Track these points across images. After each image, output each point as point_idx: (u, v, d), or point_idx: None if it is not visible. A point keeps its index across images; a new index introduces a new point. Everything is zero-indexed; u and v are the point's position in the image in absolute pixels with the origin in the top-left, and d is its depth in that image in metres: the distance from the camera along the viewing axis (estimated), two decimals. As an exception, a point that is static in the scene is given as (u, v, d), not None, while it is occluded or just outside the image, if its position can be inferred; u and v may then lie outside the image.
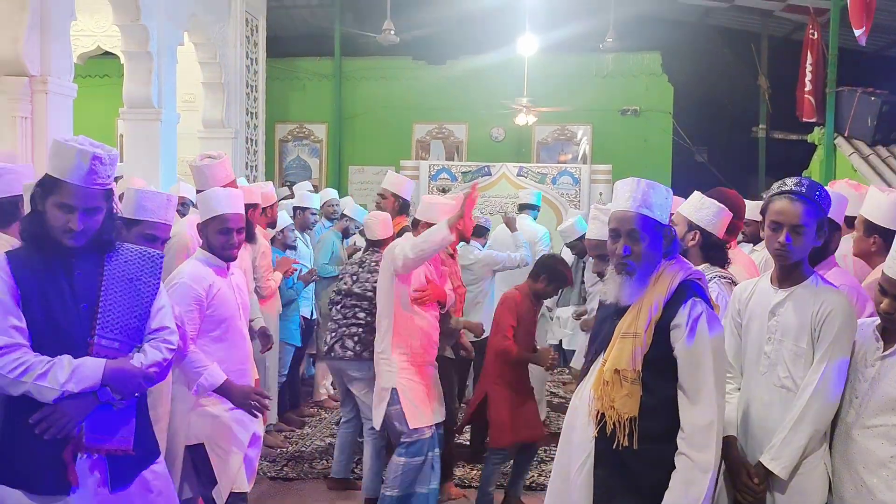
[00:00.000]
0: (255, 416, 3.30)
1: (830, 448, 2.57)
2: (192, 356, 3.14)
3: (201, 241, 3.48)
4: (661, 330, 2.46)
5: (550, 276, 4.49)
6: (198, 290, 3.27)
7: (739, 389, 2.75)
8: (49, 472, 2.31)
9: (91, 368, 2.32)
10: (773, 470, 2.52)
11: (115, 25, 8.06)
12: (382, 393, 4.17)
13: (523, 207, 7.13)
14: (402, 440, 4.16)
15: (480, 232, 6.04)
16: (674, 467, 2.43)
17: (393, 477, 4.13)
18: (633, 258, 2.49)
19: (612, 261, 2.57)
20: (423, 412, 4.15)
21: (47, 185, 2.35)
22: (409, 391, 4.13)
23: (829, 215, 2.70)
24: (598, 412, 2.51)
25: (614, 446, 2.46)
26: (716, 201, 3.22)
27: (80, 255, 2.38)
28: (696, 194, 3.33)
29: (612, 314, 2.59)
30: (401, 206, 5.28)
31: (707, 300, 2.52)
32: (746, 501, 2.58)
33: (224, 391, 3.21)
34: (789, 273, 2.64)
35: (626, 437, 2.44)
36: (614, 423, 2.46)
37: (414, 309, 4.17)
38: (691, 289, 2.51)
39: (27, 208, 2.52)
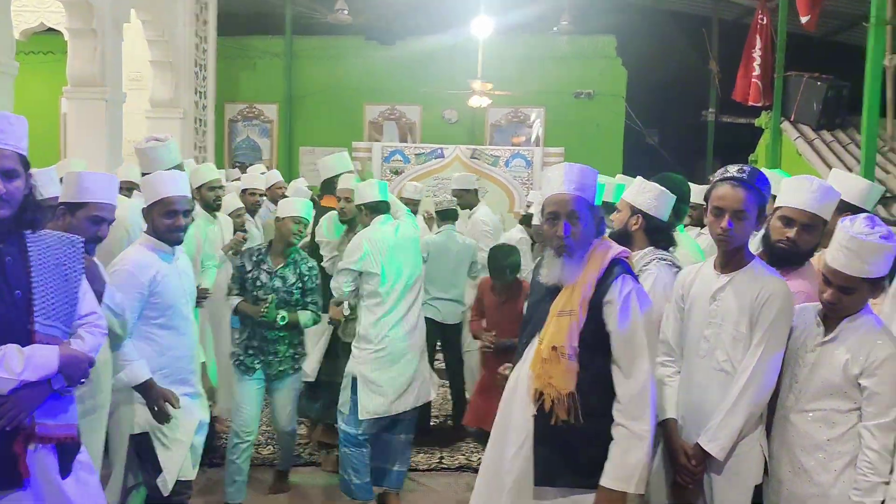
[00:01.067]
0: (161, 423, 3.25)
1: (769, 431, 2.64)
2: (124, 348, 3.11)
3: (145, 225, 3.41)
4: (595, 307, 2.53)
5: (489, 267, 4.63)
6: (140, 276, 3.21)
7: (680, 373, 2.80)
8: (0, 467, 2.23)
9: (46, 356, 2.27)
10: (710, 451, 2.58)
11: (59, 1, 7.82)
12: (344, 380, 4.35)
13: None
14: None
15: (453, 215, 5.90)
16: (611, 440, 2.49)
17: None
18: (572, 238, 2.55)
19: (550, 243, 2.61)
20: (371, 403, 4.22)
21: None
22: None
23: (825, 217, 2.77)
24: (536, 390, 2.56)
25: (553, 422, 2.52)
26: (657, 185, 3.25)
27: (5, 241, 2.29)
28: (638, 179, 3.37)
29: (545, 295, 2.65)
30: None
31: (635, 277, 2.61)
32: (684, 482, 2.65)
33: (142, 389, 3.18)
34: (731, 258, 2.68)
35: (565, 413, 2.50)
36: (553, 400, 2.51)
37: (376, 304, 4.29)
38: (621, 266, 2.59)
39: None
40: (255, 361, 4.29)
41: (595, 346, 2.53)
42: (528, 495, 2.59)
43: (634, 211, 3.21)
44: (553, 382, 2.52)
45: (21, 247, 2.32)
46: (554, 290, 2.60)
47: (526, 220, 6.13)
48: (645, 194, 3.21)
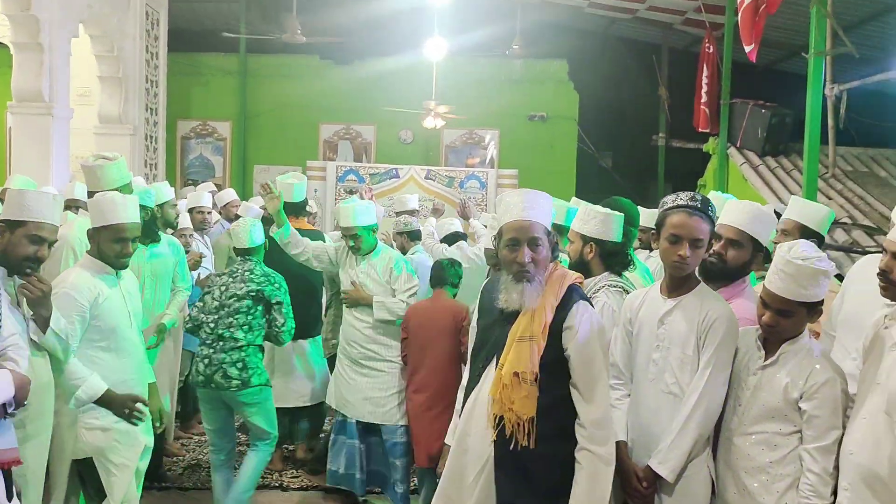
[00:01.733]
0: (136, 425, 3.19)
1: (714, 452, 2.68)
2: (70, 367, 3.01)
3: (90, 246, 3.34)
4: (554, 332, 2.56)
5: (431, 279, 4.61)
6: (80, 300, 3.13)
7: (629, 396, 2.83)
8: None
9: (3, 380, 2.20)
10: (661, 473, 2.61)
11: (4, 15, 7.66)
12: None
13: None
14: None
15: (419, 235, 5.80)
16: (569, 464, 2.52)
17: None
18: (533, 265, 2.56)
19: (509, 269, 2.61)
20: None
21: None
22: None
23: (758, 237, 2.91)
24: (495, 416, 2.56)
25: (512, 448, 2.53)
26: (602, 208, 3.29)
27: None
28: (583, 207, 3.37)
29: (498, 320, 2.65)
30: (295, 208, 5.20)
31: (589, 302, 2.67)
32: (635, 504, 2.67)
33: (104, 402, 3.10)
34: (680, 283, 2.74)
35: (525, 437, 2.51)
36: (514, 425, 2.52)
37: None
38: (577, 291, 2.63)
39: None
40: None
41: (554, 370, 2.55)
42: None
43: (586, 240, 3.23)
44: (514, 408, 2.52)
45: None
46: (509, 315, 2.61)
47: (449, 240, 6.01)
48: (592, 221, 3.23)
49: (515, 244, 2.57)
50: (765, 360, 2.58)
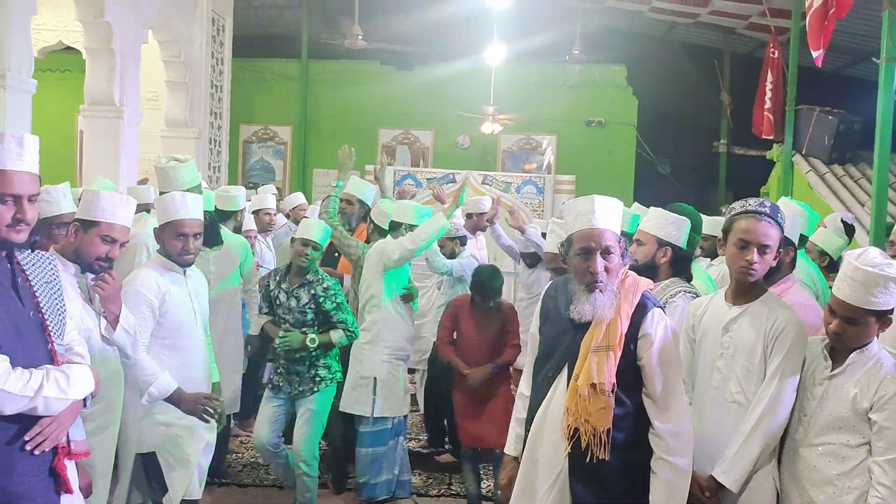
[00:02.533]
0: (207, 422, 3.25)
1: (779, 464, 2.62)
2: (143, 364, 3.08)
3: (158, 245, 3.43)
4: (629, 340, 2.51)
5: (473, 285, 4.69)
6: (149, 297, 3.23)
7: (691, 404, 2.79)
8: (42, 486, 2.21)
9: (84, 375, 2.27)
10: (725, 483, 2.57)
11: (78, 21, 7.94)
12: (361, 381, 4.56)
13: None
14: (363, 429, 4.56)
15: (465, 241, 5.87)
16: (645, 473, 2.49)
17: (361, 466, 4.54)
18: (606, 274, 2.51)
19: (581, 278, 2.55)
20: (391, 403, 4.57)
21: None
22: (387, 382, 4.56)
23: (786, 234, 2.78)
24: (570, 427, 2.52)
25: (587, 459, 2.49)
26: (678, 216, 3.26)
27: (11, 262, 2.26)
28: (659, 210, 3.33)
29: (568, 328, 2.59)
30: (364, 213, 5.28)
31: (662, 309, 2.61)
32: (698, 515, 2.63)
33: (174, 400, 3.16)
34: (746, 290, 2.69)
35: (602, 450, 2.47)
36: (590, 437, 2.48)
37: (398, 305, 4.62)
38: (650, 299, 2.58)
39: None
40: (281, 381, 4.40)
41: (627, 380, 2.51)
42: None
43: (662, 243, 3.20)
44: (590, 420, 2.48)
45: (19, 267, 2.30)
46: (580, 324, 2.55)
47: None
48: (670, 226, 3.20)
49: (587, 253, 2.51)
50: (832, 370, 2.52)
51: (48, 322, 2.29)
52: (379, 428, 4.57)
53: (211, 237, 4.46)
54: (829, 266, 4.72)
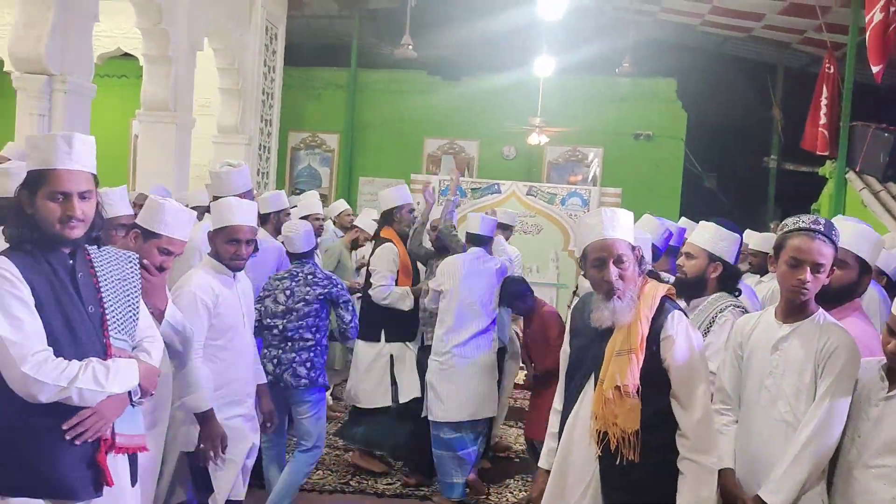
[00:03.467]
0: (203, 459, 3.28)
1: (830, 485, 2.57)
2: (192, 370, 3.15)
3: (211, 248, 3.50)
4: (651, 343, 2.56)
5: (503, 294, 4.96)
6: (204, 298, 3.29)
7: (737, 422, 2.75)
8: (81, 477, 2.27)
9: (128, 369, 2.33)
10: (771, 504, 2.52)
11: (137, 28, 8.14)
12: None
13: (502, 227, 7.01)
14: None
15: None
16: (673, 475, 2.50)
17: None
18: (621, 281, 2.58)
19: (599, 288, 2.63)
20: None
21: (33, 181, 2.26)
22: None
23: (863, 256, 2.77)
24: (598, 431, 2.57)
25: (618, 462, 2.53)
26: (731, 232, 3.23)
27: (75, 258, 2.34)
28: (711, 225, 3.30)
29: (594, 338, 2.66)
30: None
31: (683, 312, 2.66)
32: (743, 534, 2.59)
33: (202, 418, 3.21)
34: (798, 309, 2.64)
35: (631, 452, 2.51)
36: (619, 440, 2.53)
37: None
38: (670, 302, 2.64)
39: None
40: None
41: (654, 382, 2.55)
42: None
43: (713, 258, 3.19)
44: (618, 422, 2.53)
45: (88, 263, 2.39)
46: (604, 332, 2.62)
47: None
48: (723, 241, 3.19)
49: (601, 263, 2.59)
50: (889, 391, 2.45)
51: (108, 317, 2.36)
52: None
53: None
54: (888, 286, 4.61)
